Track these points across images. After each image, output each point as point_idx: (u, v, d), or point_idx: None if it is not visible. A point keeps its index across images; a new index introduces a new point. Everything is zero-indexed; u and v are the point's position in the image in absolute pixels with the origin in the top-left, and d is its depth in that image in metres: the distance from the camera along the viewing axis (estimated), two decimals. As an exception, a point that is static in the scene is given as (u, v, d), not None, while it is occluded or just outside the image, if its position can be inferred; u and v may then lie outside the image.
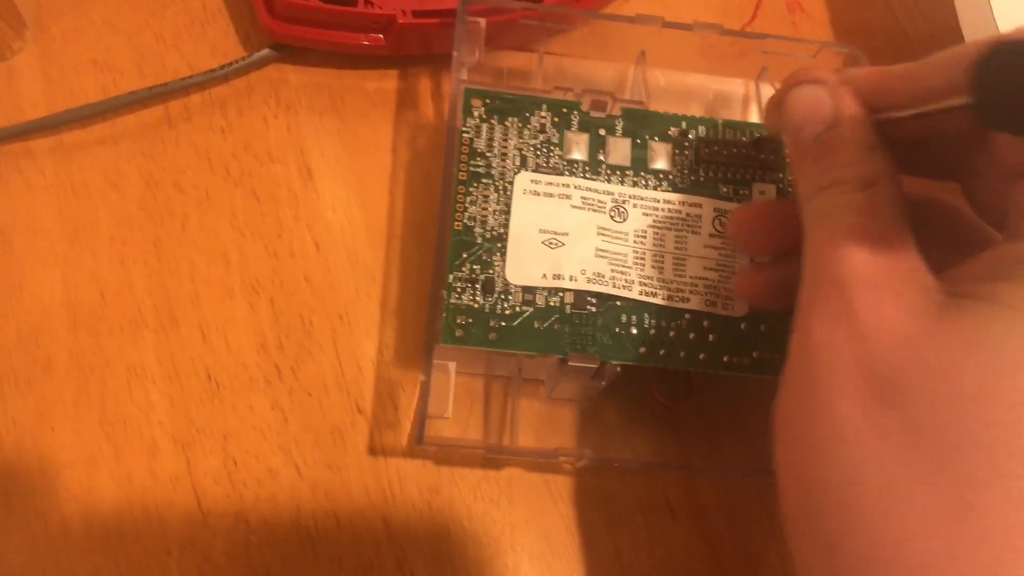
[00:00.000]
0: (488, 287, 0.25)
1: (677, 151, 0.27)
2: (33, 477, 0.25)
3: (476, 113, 0.27)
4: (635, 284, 0.25)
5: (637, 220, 0.26)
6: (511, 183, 0.26)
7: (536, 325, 0.25)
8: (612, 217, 0.26)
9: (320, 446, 0.26)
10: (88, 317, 0.26)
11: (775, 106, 0.21)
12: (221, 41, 0.30)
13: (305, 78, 0.30)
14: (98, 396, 0.26)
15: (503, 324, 0.25)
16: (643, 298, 0.25)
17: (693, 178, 0.27)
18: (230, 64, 0.29)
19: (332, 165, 0.29)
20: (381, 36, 0.29)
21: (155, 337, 0.26)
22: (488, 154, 0.26)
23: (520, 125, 0.27)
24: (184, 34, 0.30)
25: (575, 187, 0.26)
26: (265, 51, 0.29)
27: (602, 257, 0.26)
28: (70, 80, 0.29)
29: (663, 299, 0.25)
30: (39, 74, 0.29)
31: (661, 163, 0.27)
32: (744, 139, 0.27)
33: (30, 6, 0.30)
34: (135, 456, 0.25)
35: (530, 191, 0.26)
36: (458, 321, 0.25)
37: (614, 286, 0.25)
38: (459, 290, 0.25)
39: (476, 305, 0.25)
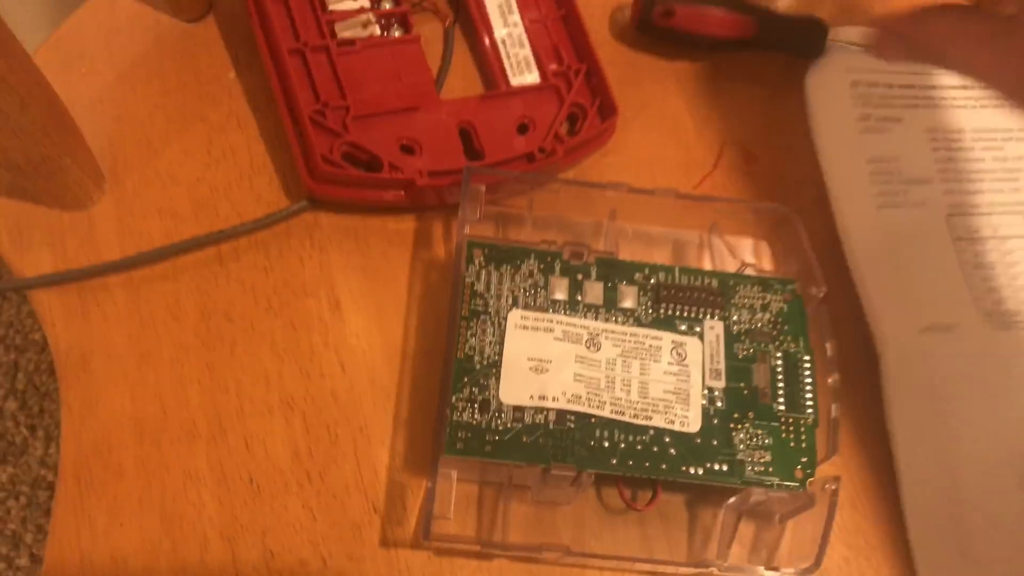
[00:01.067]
0: (485, 406, 0.30)
1: (642, 292, 0.33)
2: (105, 565, 0.30)
3: (477, 261, 0.32)
4: (607, 404, 0.31)
5: (609, 350, 0.32)
6: (505, 319, 0.32)
7: (524, 439, 0.30)
8: (588, 347, 0.32)
9: (342, 541, 0.31)
10: (152, 429, 0.32)
11: None
12: (265, 192, 0.36)
13: (335, 222, 0.36)
14: (159, 496, 0.31)
15: (497, 438, 0.30)
16: (614, 416, 0.31)
17: (655, 315, 0.32)
18: (272, 215, 0.35)
19: (357, 297, 0.34)
20: (402, 193, 0.34)
21: (207, 446, 0.32)
22: (486, 295, 0.32)
23: (512, 271, 0.32)
24: (234, 186, 0.36)
25: (557, 322, 0.32)
26: (303, 202, 0.35)
27: (580, 381, 0.31)
28: (139, 225, 0.35)
29: (630, 417, 0.31)
30: (114, 220, 0.35)
31: (629, 302, 0.33)
32: (697, 283, 0.33)
33: (107, 161, 0.36)
34: (189, 548, 0.30)
35: (520, 326, 0.32)
36: (460, 435, 0.30)
37: (589, 406, 0.30)
38: (460, 408, 0.30)
39: (474, 422, 0.30)
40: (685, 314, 0.33)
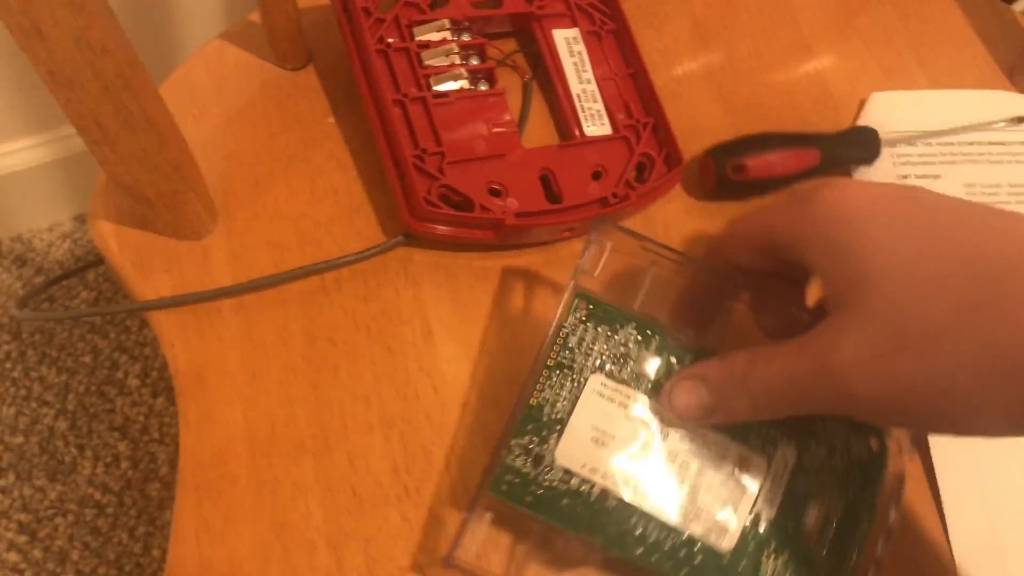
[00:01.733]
0: (538, 460, 0.31)
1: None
2: (222, 567, 0.32)
3: (578, 314, 0.33)
4: (652, 497, 0.31)
5: (675, 443, 0.32)
6: (585, 380, 0.32)
7: (564, 502, 0.31)
8: (656, 436, 0.32)
9: (439, 552, 0.33)
10: (263, 443, 0.35)
11: None
12: (364, 227, 0.39)
13: (427, 259, 0.39)
14: (270, 505, 0.33)
15: (540, 492, 0.31)
16: (654, 512, 0.31)
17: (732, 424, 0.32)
18: (371, 248, 0.38)
19: (447, 327, 0.37)
20: (491, 232, 0.38)
21: (313, 460, 0.34)
22: (576, 350, 0.32)
23: (609, 334, 0.33)
24: (335, 221, 0.39)
25: (635, 400, 0.32)
26: (399, 238, 0.38)
27: (635, 465, 0.31)
28: (249, 255, 0.38)
29: (671, 516, 0.31)
30: (226, 250, 0.38)
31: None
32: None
33: (219, 197, 0.39)
34: (299, 554, 0.33)
35: (598, 392, 0.32)
36: (507, 478, 0.31)
37: (635, 495, 0.31)
38: (516, 454, 0.31)
39: (524, 469, 0.31)
40: (763, 431, 0.32)
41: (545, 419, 0.32)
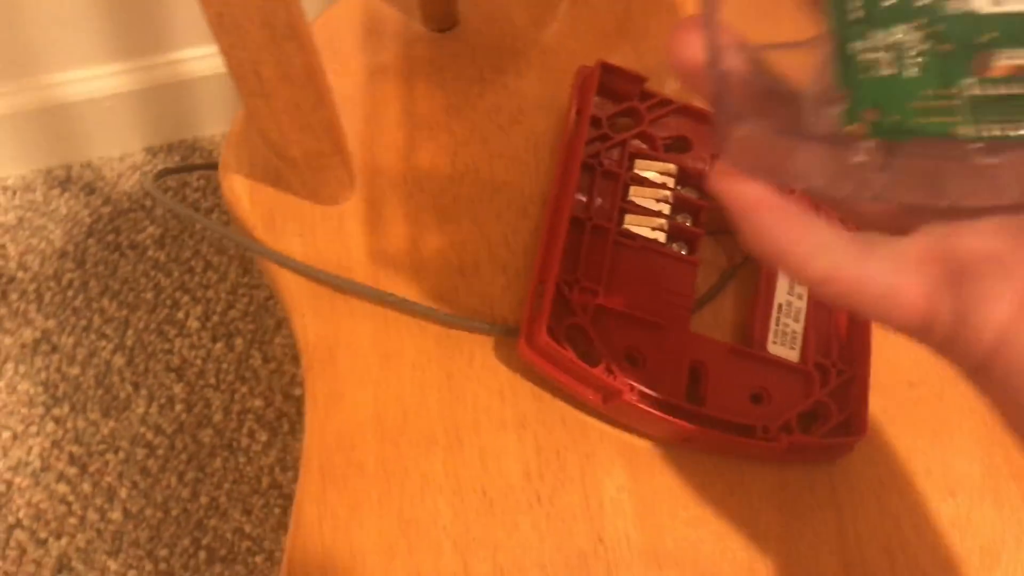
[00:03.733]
0: None
1: None
2: (344, 558, 0.31)
3: None
4: None
5: None
6: None
7: None
8: None
9: (568, 567, 0.31)
10: (392, 430, 0.33)
11: None
12: (505, 211, 0.37)
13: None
14: (397, 498, 0.32)
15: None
16: None
17: None
18: (487, 325, 0.34)
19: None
20: (601, 398, 0.32)
21: (444, 454, 0.32)
22: None
23: None
24: (476, 201, 0.37)
25: None
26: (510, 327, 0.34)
27: None
28: (386, 228, 0.36)
29: None
30: (362, 219, 0.36)
31: None
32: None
33: (358, 162, 0.37)
34: (424, 553, 0.31)
35: None
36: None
37: None
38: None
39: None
40: None
41: None
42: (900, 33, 0.20)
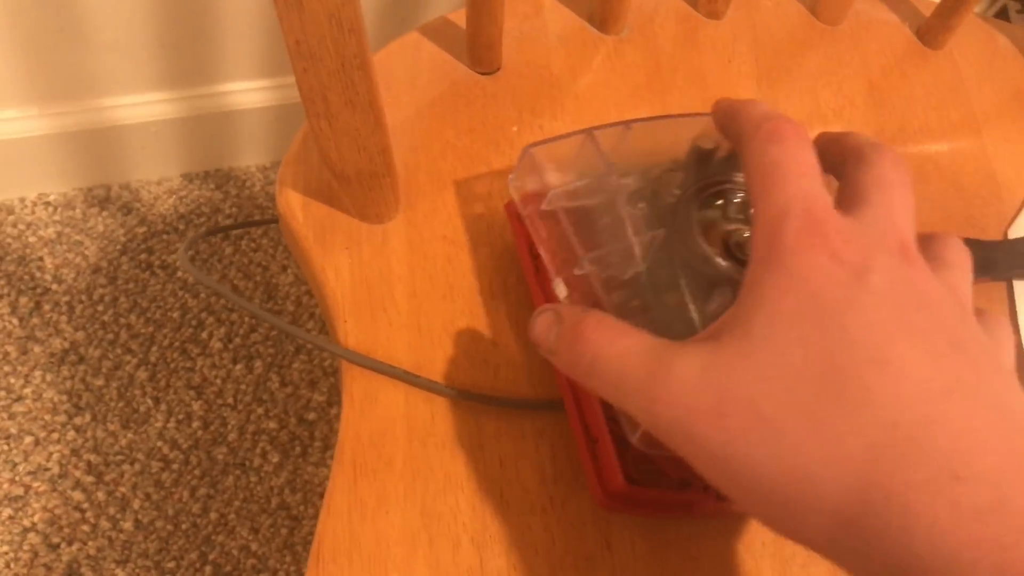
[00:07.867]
0: None
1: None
2: (369, 545, 0.33)
3: None
4: None
5: None
6: None
7: None
8: None
9: (577, 569, 0.34)
10: (420, 432, 0.35)
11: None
12: (536, 238, 0.40)
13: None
14: (422, 493, 0.34)
15: None
16: None
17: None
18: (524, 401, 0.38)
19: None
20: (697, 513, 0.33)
21: (467, 456, 0.35)
22: None
23: None
24: (507, 225, 0.40)
25: None
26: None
27: None
28: (426, 247, 0.39)
29: None
30: (405, 238, 0.39)
31: None
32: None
33: (403, 186, 0.40)
34: (444, 546, 0.33)
35: None
36: None
37: None
38: None
39: None
40: None
41: None
42: None
